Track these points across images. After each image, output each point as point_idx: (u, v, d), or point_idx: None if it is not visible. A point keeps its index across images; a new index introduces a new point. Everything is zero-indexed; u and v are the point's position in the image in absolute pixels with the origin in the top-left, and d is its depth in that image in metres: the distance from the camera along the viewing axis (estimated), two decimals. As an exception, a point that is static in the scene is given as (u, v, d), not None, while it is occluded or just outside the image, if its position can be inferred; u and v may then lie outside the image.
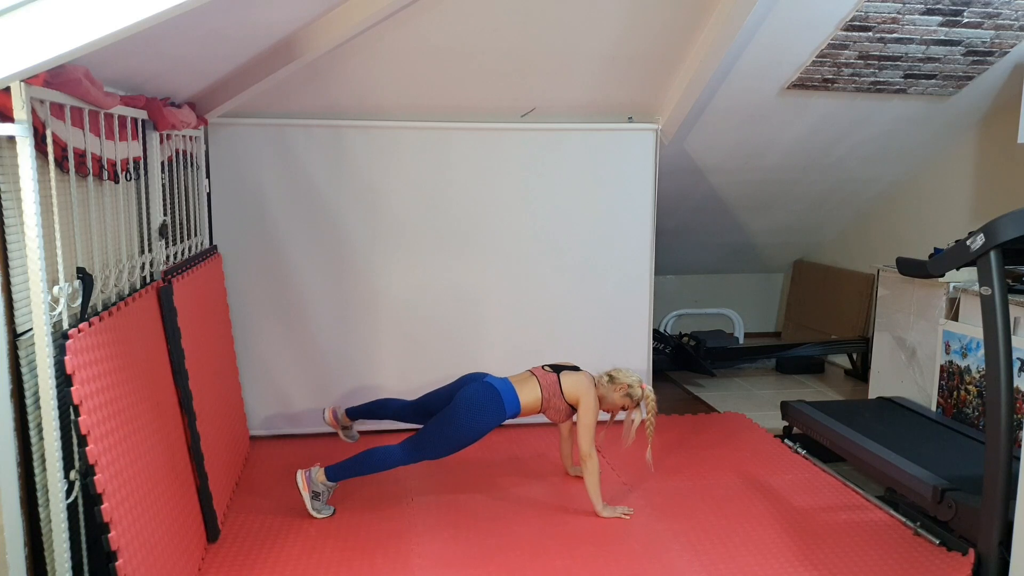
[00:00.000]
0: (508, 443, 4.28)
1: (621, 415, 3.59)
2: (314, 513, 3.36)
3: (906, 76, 4.36)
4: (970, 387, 3.99)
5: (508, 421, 4.27)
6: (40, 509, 2.17)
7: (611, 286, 4.61)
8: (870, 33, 3.96)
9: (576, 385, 3.43)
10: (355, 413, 3.77)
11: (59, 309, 2.18)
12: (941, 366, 4.17)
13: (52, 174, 2.20)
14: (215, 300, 3.83)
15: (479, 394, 3.35)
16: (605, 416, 3.60)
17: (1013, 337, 2.87)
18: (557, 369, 3.51)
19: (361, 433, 3.98)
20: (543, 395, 3.42)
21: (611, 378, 3.50)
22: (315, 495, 3.37)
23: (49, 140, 2.15)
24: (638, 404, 3.48)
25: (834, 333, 6.01)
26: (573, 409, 3.46)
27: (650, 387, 3.52)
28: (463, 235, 4.42)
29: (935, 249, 4.31)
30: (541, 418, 4.44)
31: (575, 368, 3.55)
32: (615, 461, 3.98)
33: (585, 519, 3.37)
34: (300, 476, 3.37)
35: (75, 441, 2.20)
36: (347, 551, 3.09)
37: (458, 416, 3.30)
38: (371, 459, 3.34)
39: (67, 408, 2.15)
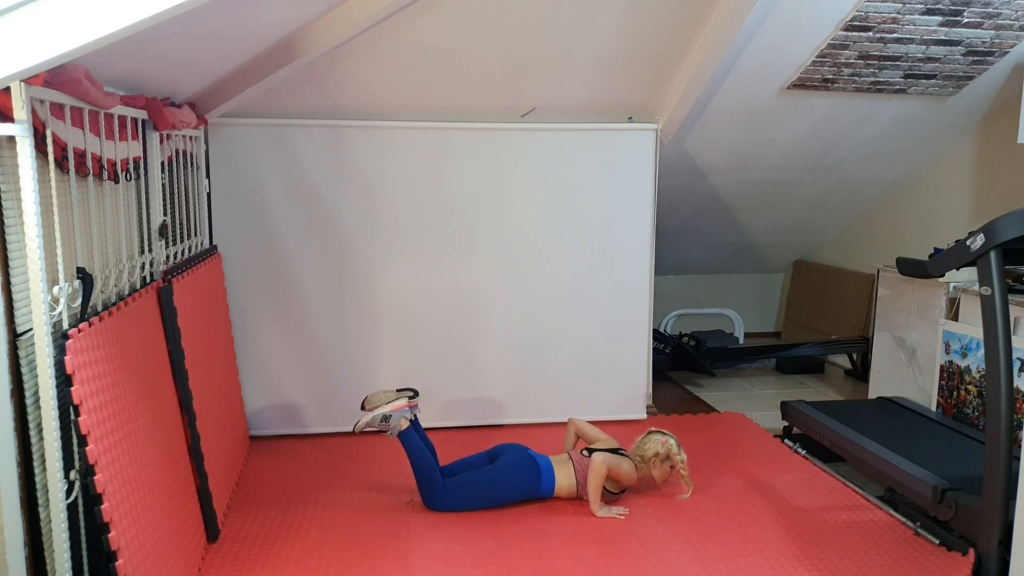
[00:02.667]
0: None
1: None
2: (363, 420, 3.39)
3: (906, 76, 4.36)
4: (970, 387, 3.99)
5: (508, 419, 4.27)
6: (40, 509, 2.17)
7: (611, 286, 4.61)
8: (870, 33, 3.96)
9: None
10: (407, 439, 3.49)
11: (59, 309, 2.18)
12: (941, 366, 4.17)
13: (52, 174, 2.20)
14: (215, 300, 3.83)
15: (522, 464, 3.47)
16: None
17: (1013, 337, 2.87)
18: (592, 452, 3.53)
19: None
20: (578, 479, 3.48)
21: (641, 458, 3.56)
22: (385, 419, 3.39)
23: (49, 140, 2.15)
24: (668, 456, 3.54)
25: (834, 333, 6.01)
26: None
27: (665, 435, 3.57)
28: (463, 235, 4.42)
29: (935, 249, 4.30)
30: (540, 417, 4.46)
31: (613, 450, 3.56)
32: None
33: (585, 519, 3.37)
34: (403, 402, 3.43)
35: (75, 441, 2.20)
36: (347, 551, 3.09)
37: (496, 479, 3.43)
38: (425, 469, 3.41)
39: (67, 408, 2.15)
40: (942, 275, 3.67)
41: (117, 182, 2.72)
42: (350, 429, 4.38)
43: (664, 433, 3.58)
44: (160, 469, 2.60)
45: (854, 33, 3.94)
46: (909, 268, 3.83)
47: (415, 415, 3.53)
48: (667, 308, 6.57)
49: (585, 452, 3.55)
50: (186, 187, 3.70)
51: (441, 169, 4.34)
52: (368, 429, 3.43)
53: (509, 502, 3.46)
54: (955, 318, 4.13)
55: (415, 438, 3.44)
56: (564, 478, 3.49)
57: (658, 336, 5.57)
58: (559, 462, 3.54)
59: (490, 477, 3.44)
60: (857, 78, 4.34)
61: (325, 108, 4.15)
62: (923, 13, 3.84)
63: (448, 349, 4.48)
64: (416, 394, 3.55)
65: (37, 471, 2.15)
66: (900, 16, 3.84)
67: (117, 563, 2.15)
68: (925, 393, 4.33)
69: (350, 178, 4.25)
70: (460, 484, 3.43)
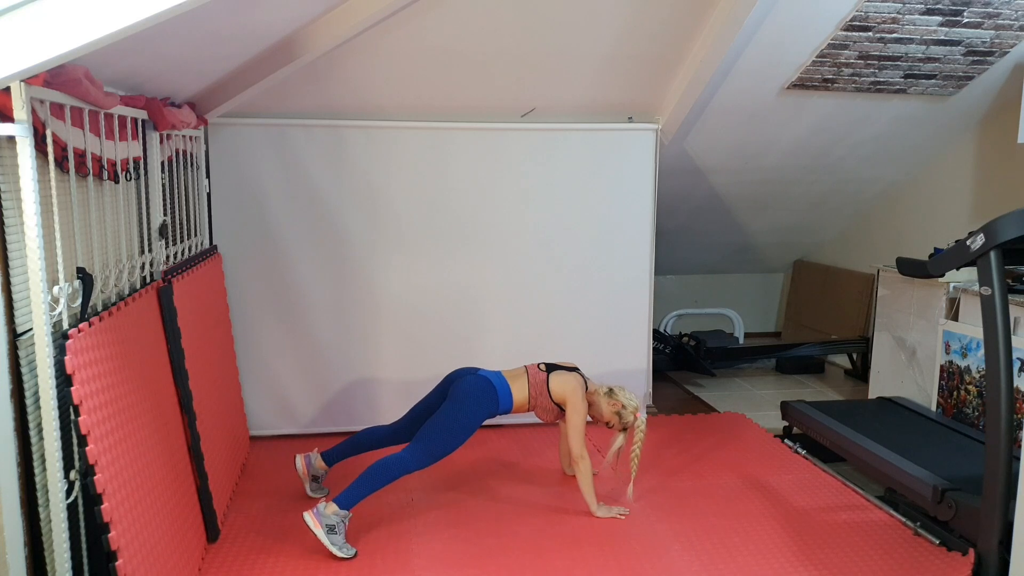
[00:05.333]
0: (508, 443, 4.28)
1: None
2: (335, 551, 2.99)
3: (906, 76, 4.36)
4: (970, 387, 3.99)
5: (507, 420, 4.27)
6: (40, 509, 2.17)
7: (611, 286, 4.61)
8: (870, 33, 3.96)
9: (563, 385, 3.42)
10: (332, 456, 3.55)
11: (59, 309, 2.18)
12: (941, 366, 4.17)
13: (52, 174, 2.20)
14: (215, 300, 3.83)
15: (475, 385, 3.37)
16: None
17: (1013, 337, 2.87)
18: (551, 368, 3.50)
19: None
20: (530, 393, 3.43)
21: (610, 391, 3.48)
22: (330, 528, 3.03)
23: (49, 140, 2.15)
24: (624, 429, 3.47)
25: (834, 333, 6.01)
26: (562, 410, 3.45)
27: (644, 418, 3.46)
28: (463, 235, 4.42)
29: (935, 249, 4.30)
30: (541, 418, 4.43)
31: (572, 369, 3.54)
32: (614, 461, 3.97)
33: (585, 519, 3.37)
34: (309, 517, 3.03)
35: (75, 441, 2.20)
36: (347, 551, 3.09)
37: (456, 408, 3.30)
38: (380, 471, 3.15)
39: (67, 408, 2.15)
40: (942, 275, 3.67)
41: (117, 182, 2.72)
42: (350, 429, 4.40)
43: (643, 419, 3.46)
44: (160, 469, 2.60)
45: (854, 33, 3.94)
46: (909, 268, 3.83)
47: (324, 501, 3.16)
48: (667, 308, 6.57)
49: (543, 366, 3.50)
50: (186, 187, 3.69)
51: (441, 169, 4.34)
52: (345, 546, 3.04)
53: (477, 424, 3.32)
54: (955, 318, 4.13)
55: (357, 491, 3.11)
56: (519, 392, 3.41)
57: (658, 336, 5.57)
58: (513, 377, 3.46)
59: (451, 416, 3.26)
60: (857, 78, 4.34)
61: (325, 108, 4.15)
62: (923, 13, 3.84)
63: (448, 348, 4.47)
64: (295, 457, 3.55)
65: (37, 471, 2.15)
66: (900, 16, 3.84)
67: (117, 563, 2.15)
68: (925, 393, 4.33)
69: (350, 178, 4.25)
70: (427, 437, 3.23)
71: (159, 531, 2.49)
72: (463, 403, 3.31)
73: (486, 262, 4.47)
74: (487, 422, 4.40)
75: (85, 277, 2.34)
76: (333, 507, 3.06)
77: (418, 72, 3.98)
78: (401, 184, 4.30)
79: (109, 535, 2.14)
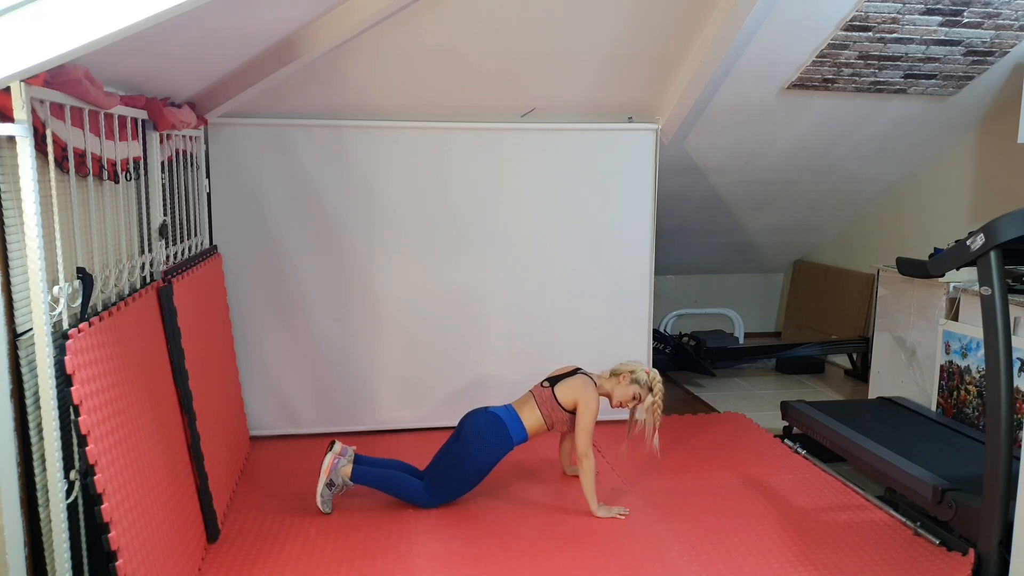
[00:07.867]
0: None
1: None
2: (319, 501, 3.36)
3: (906, 76, 4.36)
4: (970, 387, 3.99)
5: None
6: (40, 509, 2.17)
7: (611, 286, 4.61)
8: (870, 33, 3.96)
9: (571, 391, 3.45)
10: (362, 476, 3.42)
11: (59, 309, 2.18)
12: (941, 366, 4.17)
13: (52, 174, 2.20)
14: (215, 300, 3.83)
15: (484, 425, 3.41)
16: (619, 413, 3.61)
17: (1013, 337, 2.87)
18: (554, 381, 3.52)
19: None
20: (543, 413, 3.45)
21: (613, 372, 3.55)
22: (330, 483, 3.37)
23: (49, 140, 2.15)
24: (650, 389, 3.48)
25: (834, 333, 6.01)
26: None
27: (655, 370, 3.55)
28: (463, 235, 4.42)
29: (935, 249, 4.31)
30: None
31: (573, 372, 3.56)
32: (614, 461, 3.98)
33: (585, 519, 3.37)
34: (329, 458, 3.36)
35: (75, 441, 2.20)
36: (347, 551, 3.09)
37: (466, 451, 3.39)
38: (395, 484, 3.43)
39: (67, 408, 2.15)
40: (942, 275, 3.67)
41: (117, 182, 2.72)
42: (350, 429, 4.40)
43: (655, 371, 3.55)
44: (160, 469, 2.60)
45: (854, 33, 3.94)
46: (909, 268, 3.83)
47: (352, 454, 3.45)
48: (667, 308, 6.57)
49: (545, 383, 3.53)
50: (186, 187, 3.70)
51: (441, 169, 4.34)
52: (331, 498, 3.39)
53: (492, 466, 3.42)
54: (955, 318, 4.13)
55: (368, 472, 3.42)
56: (530, 418, 3.44)
57: (658, 336, 5.57)
58: (521, 404, 3.49)
59: (462, 456, 3.39)
60: (857, 78, 4.34)
61: (325, 108, 4.15)
62: (923, 13, 3.84)
63: (448, 349, 4.48)
64: (334, 443, 3.47)
65: (37, 471, 2.15)
66: (900, 16, 3.84)
67: (117, 563, 2.15)
68: (925, 393, 4.33)
69: (350, 178, 4.25)
70: (438, 476, 3.41)
71: (159, 531, 2.49)
72: (473, 445, 3.39)
73: (486, 262, 4.47)
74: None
75: (85, 277, 2.34)
76: (348, 471, 3.38)
77: (418, 72, 3.98)
78: (401, 184, 4.30)
79: (109, 535, 2.14)
